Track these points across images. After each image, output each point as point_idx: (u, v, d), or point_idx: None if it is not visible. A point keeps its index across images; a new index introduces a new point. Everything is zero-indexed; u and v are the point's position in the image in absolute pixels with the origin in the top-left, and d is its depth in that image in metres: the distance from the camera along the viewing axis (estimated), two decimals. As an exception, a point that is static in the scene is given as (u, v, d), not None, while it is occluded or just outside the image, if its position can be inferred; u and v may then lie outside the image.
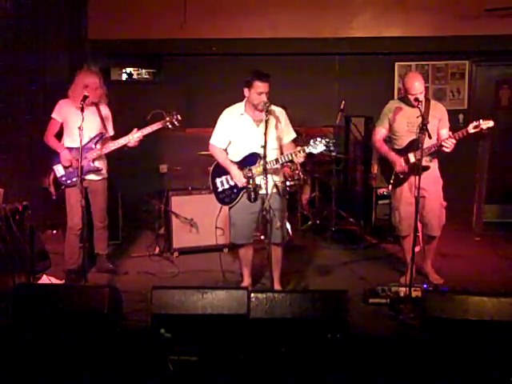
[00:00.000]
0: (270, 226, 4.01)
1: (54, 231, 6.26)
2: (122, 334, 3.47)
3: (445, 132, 4.52)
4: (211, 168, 4.50)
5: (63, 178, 4.61)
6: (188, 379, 3.10)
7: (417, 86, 4.37)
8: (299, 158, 4.11)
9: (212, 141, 4.39)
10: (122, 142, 4.64)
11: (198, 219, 5.58)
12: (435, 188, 4.55)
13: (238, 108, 4.31)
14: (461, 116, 7.15)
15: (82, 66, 6.96)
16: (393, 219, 4.74)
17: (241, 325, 3.24)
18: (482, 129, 4.26)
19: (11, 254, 4.27)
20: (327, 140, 3.98)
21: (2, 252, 4.19)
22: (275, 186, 4.22)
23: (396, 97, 7.08)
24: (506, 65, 7.23)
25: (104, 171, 4.78)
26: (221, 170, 4.37)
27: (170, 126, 4.66)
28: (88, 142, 4.59)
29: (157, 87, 7.23)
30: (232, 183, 4.33)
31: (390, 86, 7.31)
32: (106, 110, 4.77)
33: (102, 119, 4.71)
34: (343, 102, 6.53)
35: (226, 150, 4.39)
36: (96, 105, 4.67)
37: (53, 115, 4.63)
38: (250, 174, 4.20)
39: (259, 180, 4.05)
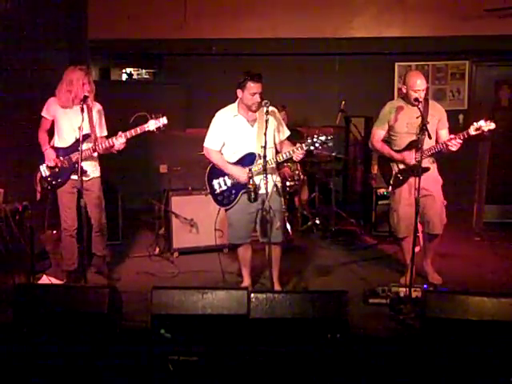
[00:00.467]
0: (269, 226, 4.01)
1: (54, 231, 6.26)
2: (122, 334, 3.47)
3: (444, 133, 4.52)
4: (207, 171, 4.47)
5: (49, 178, 4.48)
6: (188, 379, 3.09)
7: (419, 82, 4.35)
8: (298, 156, 4.12)
9: (206, 144, 4.37)
10: (106, 145, 4.42)
11: (197, 219, 5.58)
12: (436, 187, 4.55)
13: (231, 109, 4.30)
14: (461, 116, 7.16)
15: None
16: (391, 220, 4.74)
17: (241, 325, 3.24)
18: (483, 131, 4.26)
19: (11, 254, 4.27)
20: (325, 136, 3.99)
21: (2, 252, 4.19)
22: (275, 185, 4.22)
23: (396, 97, 7.08)
24: (506, 65, 7.22)
25: (93, 171, 4.57)
26: (217, 172, 4.36)
27: (155, 130, 4.37)
28: (73, 143, 4.42)
29: (157, 87, 7.23)
30: (230, 184, 4.32)
31: (390, 86, 7.31)
32: (98, 111, 4.57)
33: (91, 119, 4.49)
34: (343, 102, 6.54)
35: (220, 151, 4.38)
36: (87, 105, 4.38)
37: (42, 113, 4.56)
38: (250, 174, 4.20)
39: (259, 180, 4.04)
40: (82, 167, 4.10)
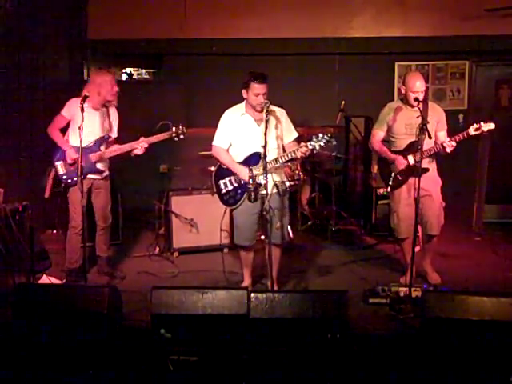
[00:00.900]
0: (269, 226, 4.02)
1: (54, 231, 6.27)
2: (122, 334, 3.47)
3: (442, 134, 4.52)
4: (214, 170, 4.50)
5: (64, 177, 4.57)
6: (188, 379, 3.10)
7: (418, 84, 4.36)
8: (302, 154, 4.10)
9: (215, 142, 4.39)
10: (126, 148, 4.64)
11: (198, 219, 5.58)
12: (435, 188, 4.56)
13: (239, 108, 4.32)
14: (461, 116, 7.16)
15: (82, 66, 7.01)
16: (391, 221, 4.74)
17: (241, 325, 3.24)
18: (482, 131, 4.28)
19: (11, 254, 4.27)
20: (329, 135, 3.99)
21: (2, 252, 4.19)
22: (275, 185, 4.23)
23: (396, 97, 7.08)
24: (506, 65, 7.22)
25: (106, 171, 4.77)
26: (224, 172, 4.36)
27: (175, 138, 4.72)
28: (94, 143, 4.59)
29: (157, 87, 7.23)
30: (236, 184, 4.32)
31: (390, 86, 7.30)
32: (114, 113, 4.76)
33: (110, 121, 4.69)
34: (343, 102, 6.54)
35: (227, 150, 4.39)
36: (107, 106, 4.66)
37: (62, 112, 4.57)
38: (251, 174, 4.20)
39: (262, 180, 4.02)
40: (83, 167, 4.18)
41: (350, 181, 6.84)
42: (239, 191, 4.31)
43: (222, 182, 4.39)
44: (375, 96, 6.90)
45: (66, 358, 3.17)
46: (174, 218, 5.57)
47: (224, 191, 4.39)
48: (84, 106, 4.41)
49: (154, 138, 4.66)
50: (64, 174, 4.58)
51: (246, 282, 4.58)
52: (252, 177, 4.18)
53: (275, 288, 4.32)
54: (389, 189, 4.64)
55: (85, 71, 7.10)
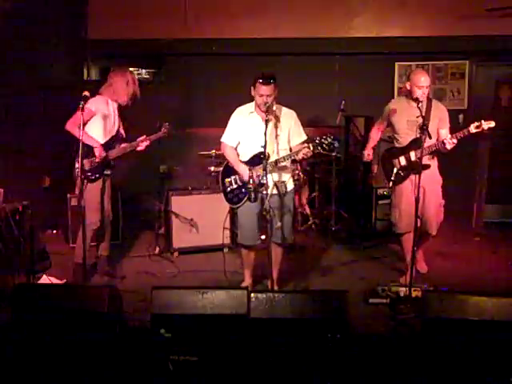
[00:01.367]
0: (270, 226, 4.02)
1: (54, 231, 6.27)
2: (122, 334, 3.47)
3: (444, 132, 4.55)
4: (222, 167, 4.54)
5: (89, 173, 4.63)
6: (188, 379, 3.09)
7: (423, 79, 4.45)
8: (302, 155, 4.11)
9: (223, 139, 4.41)
10: (133, 146, 4.82)
11: (198, 219, 5.58)
12: (434, 186, 4.60)
13: (249, 106, 4.33)
14: (461, 116, 7.15)
15: (82, 66, 7.01)
16: (392, 217, 4.79)
17: (241, 325, 3.24)
18: (483, 129, 4.31)
19: (11, 254, 4.27)
20: (331, 137, 3.99)
21: (2, 252, 4.19)
22: (275, 186, 4.23)
23: (396, 97, 7.09)
24: (506, 65, 7.22)
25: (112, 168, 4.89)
26: (231, 170, 4.38)
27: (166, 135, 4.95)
28: (111, 140, 4.73)
29: (157, 87, 7.22)
30: (240, 183, 4.34)
31: (390, 86, 7.31)
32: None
33: (121, 120, 4.87)
34: (343, 102, 6.54)
35: (236, 149, 4.40)
36: (119, 105, 4.78)
37: (91, 108, 4.54)
38: (251, 174, 4.21)
39: (264, 180, 4.02)
40: (83, 166, 4.28)
41: (350, 181, 6.83)
42: (243, 190, 4.32)
43: (227, 180, 4.40)
44: (375, 96, 6.89)
45: (66, 358, 3.17)
46: (174, 218, 5.57)
47: (229, 189, 4.40)
48: (107, 104, 4.64)
49: (153, 136, 4.88)
50: (88, 171, 4.62)
51: (247, 281, 4.58)
52: (252, 177, 4.19)
53: (275, 288, 4.32)
54: (390, 184, 4.69)
55: (85, 71, 7.10)
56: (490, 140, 6.45)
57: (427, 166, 4.45)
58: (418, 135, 4.28)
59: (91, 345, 3.23)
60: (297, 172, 5.96)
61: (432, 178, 4.58)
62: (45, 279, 4.52)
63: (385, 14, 6.96)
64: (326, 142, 3.98)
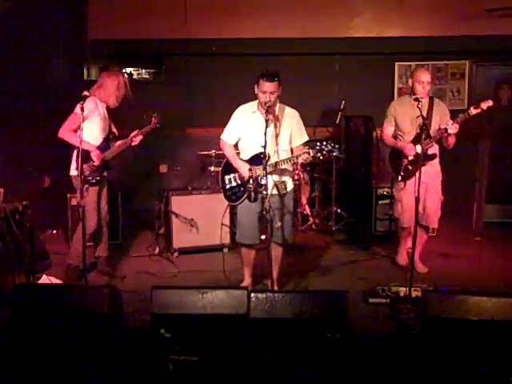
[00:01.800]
0: (270, 226, 4.02)
1: (54, 231, 6.27)
2: (122, 334, 3.47)
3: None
4: (222, 164, 4.53)
5: (89, 177, 4.62)
6: (188, 379, 3.09)
7: (424, 76, 4.66)
8: (302, 160, 4.13)
9: (223, 135, 4.41)
10: (128, 143, 4.80)
11: (198, 219, 5.58)
12: (436, 181, 4.78)
13: (252, 106, 4.31)
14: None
15: (82, 66, 7.01)
16: (395, 211, 4.99)
17: (241, 325, 3.24)
18: (482, 109, 4.46)
19: (11, 254, 4.27)
20: (332, 144, 3.98)
21: (2, 252, 4.19)
22: (275, 186, 4.23)
23: (396, 97, 7.10)
24: (506, 65, 7.22)
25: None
26: (230, 168, 4.38)
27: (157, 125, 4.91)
28: (104, 141, 4.71)
29: (157, 87, 7.23)
30: (239, 182, 4.33)
31: (390, 86, 7.31)
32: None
33: (112, 120, 4.86)
34: (343, 102, 6.54)
35: (236, 146, 4.41)
36: (107, 106, 4.75)
37: (83, 113, 4.41)
38: (251, 174, 4.21)
39: (264, 181, 4.01)
40: (82, 167, 4.21)
41: (350, 181, 6.84)
42: (242, 189, 4.32)
43: (227, 178, 4.40)
44: (375, 96, 6.90)
45: (66, 358, 3.17)
46: (174, 218, 5.57)
47: (228, 187, 4.40)
48: (96, 105, 4.59)
49: (147, 129, 4.86)
50: (89, 176, 4.62)
51: (247, 281, 4.58)
52: (252, 177, 4.19)
53: (275, 288, 4.32)
54: (400, 178, 4.81)
55: (85, 71, 7.10)
56: (489, 140, 6.45)
57: (434, 156, 4.70)
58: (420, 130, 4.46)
59: (91, 345, 3.23)
60: (297, 172, 5.96)
61: (434, 173, 4.75)
62: (45, 279, 4.52)
63: (385, 13, 6.97)
64: (327, 150, 3.97)
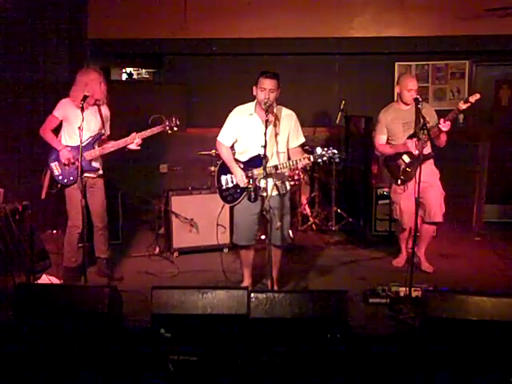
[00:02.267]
0: (269, 227, 4.01)
1: (54, 231, 6.26)
2: (122, 334, 3.47)
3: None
4: (218, 164, 4.52)
5: (60, 177, 4.56)
6: (188, 379, 3.09)
7: (411, 84, 4.73)
8: (302, 165, 4.14)
9: (219, 138, 4.39)
10: (120, 144, 4.65)
11: (198, 219, 5.58)
12: (434, 179, 4.84)
13: (249, 107, 4.29)
14: (461, 116, 7.14)
15: (82, 66, 7.01)
16: (394, 213, 5.07)
17: (241, 325, 3.24)
18: (470, 102, 4.59)
19: (11, 254, 4.27)
20: (334, 151, 3.97)
21: (2, 252, 4.19)
22: (275, 186, 4.23)
23: (396, 97, 7.09)
24: (506, 65, 7.22)
25: (100, 169, 4.76)
26: (227, 168, 4.37)
27: (169, 131, 4.72)
28: (88, 142, 4.57)
29: (157, 87, 7.23)
30: (236, 182, 4.33)
31: (390, 86, 7.29)
32: (106, 110, 4.75)
33: (102, 119, 4.69)
34: (343, 102, 6.54)
35: (232, 147, 4.39)
36: (97, 105, 4.66)
37: (54, 113, 4.59)
38: (251, 174, 4.21)
39: (263, 183, 4.01)
40: (82, 166, 4.20)
41: (350, 181, 6.84)
42: (238, 190, 4.32)
43: (224, 178, 4.39)
44: (375, 96, 6.90)
45: (67, 358, 3.17)
46: (174, 218, 5.57)
47: (224, 187, 4.39)
48: (71, 106, 4.47)
49: (147, 132, 4.65)
50: (60, 175, 4.57)
51: (246, 281, 4.58)
52: (252, 177, 4.19)
53: (275, 288, 4.32)
54: (399, 182, 4.85)
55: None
56: (489, 140, 6.45)
57: (431, 155, 4.75)
58: (415, 132, 4.49)
59: (91, 345, 3.23)
60: (297, 172, 5.97)
61: (430, 172, 4.79)
62: (45, 279, 4.52)
63: (385, 13, 6.97)
64: (327, 156, 3.97)
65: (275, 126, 4.21)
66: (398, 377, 3.12)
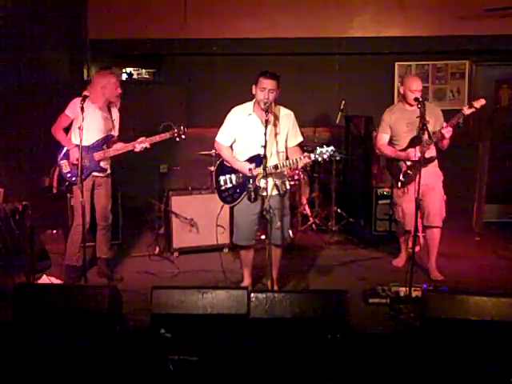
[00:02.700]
0: (269, 226, 4.02)
1: (54, 231, 6.27)
2: (122, 334, 3.47)
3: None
4: (216, 165, 4.52)
5: (68, 175, 4.60)
6: (188, 379, 3.10)
7: (415, 84, 4.66)
8: (302, 164, 4.13)
9: (218, 138, 4.40)
10: (129, 147, 4.70)
11: (198, 219, 5.58)
12: (437, 181, 4.76)
13: (247, 107, 4.29)
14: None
15: (82, 66, 7.01)
16: (396, 215, 5.01)
17: (241, 325, 3.24)
18: (476, 108, 4.45)
19: (11, 254, 4.27)
20: (333, 149, 3.98)
21: (2, 252, 4.19)
22: (275, 186, 4.23)
23: (396, 97, 7.10)
24: (506, 65, 7.23)
25: (108, 169, 4.80)
26: (225, 169, 4.37)
27: (176, 139, 4.79)
28: (98, 143, 4.63)
29: (157, 87, 7.23)
30: (235, 182, 4.32)
31: (390, 86, 7.31)
32: (116, 112, 4.80)
33: (112, 121, 4.75)
34: (343, 102, 6.54)
35: (231, 146, 4.39)
36: (109, 106, 4.71)
37: (66, 112, 4.58)
38: (251, 174, 4.20)
39: (263, 182, 4.01)
40: (82, 167, 4.21)
41: (350, 181, 6.84)
42: (238, 190, 4.31)
43: (222, 179, 4.38)
44: (375, 96, 6.91)
45: (67, 358, 3.17)
46: (174, 218, 5.57)
47: (223, 188, 4.39)
48: (89, 105, 4.48)
49: (156, 138, 4.74)
50: (68, 173, 4.61)
51: (246, 281, 4.58)
52: (252, 177, 4.19)
53: (275, 288, 4.32)
54: (399, 184, 4.80)
55: (85, 71, 7.10)
56: (489, 140, 6.45)
57: (433, 158, 4.69)
58: (418, 133, 4.38)
59: (91, 345, 3.23)
60: (297, 172, 5.97)
61: (434, 174, 4.73)
62: (45, 279, 4.52)
63: (385, 13, 6.97)
64: (328, 154, 3.97)
65: (274, 125, 4.21)
66: (398, 377, 3.12)
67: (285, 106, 4.37)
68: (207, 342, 3.20)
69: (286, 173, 4.38)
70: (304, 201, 6.52)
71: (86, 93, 4.42)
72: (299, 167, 4.23)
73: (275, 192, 4.24)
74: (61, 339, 3.26)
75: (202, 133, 6.72)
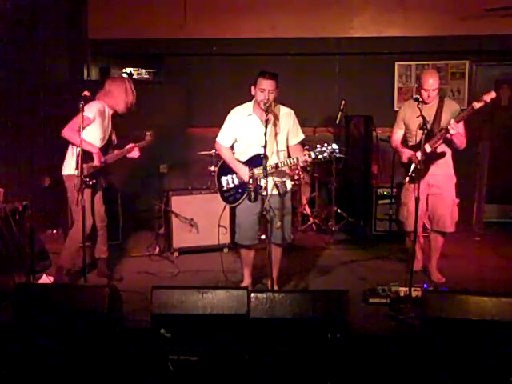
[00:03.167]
0: (270, 226, 4.01)
1: (54, 231, 6.27)
2: (122, 334, 3.47)
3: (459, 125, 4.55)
4: (218, 165, 4.52)
5: (87, 178, 4.56)
6: (188, 379, 3.09)
7: (430, 82, 4.52)
8: (302, 162, 4.13)
9: (218, 139, 4.40)
10: (124, 152, 4.86)
11: (198, 219, 5.58)
12: (448, 185, 4.63)
13: (247, 108, 4.29)
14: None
15: (82, 66, 7.02)
16: (400, 214, 4.83)
17: (241, 325, 3.24)
18: (485, 101, 4.37)
19: (11, 254, 4.27)
20: (334, 146, 3.97)
21: (2, 252, 4.19)
22: (275, 186, 4.23)
23: (396, 97, 7.11)
24: (506, 65, 7.22)
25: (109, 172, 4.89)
26: (227, 169, 4.37)
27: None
28: (106, 148, 4.70)
29: (157, 87, 7.22)
30: (237, 183, 4.32)
31: (390, 86, 7.30)
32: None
33: (114, 125, 4.84)
34: (343, 102, 6.54)
35: (232, 147, 4.39)
36: (114, 112, 4.74)
37: (88, 114, 4.45)
38: (251, 174, 4.21)
39: (263, 182, 4.00)
40: (82, 167, 4.21)
41: (350, 181, 6.84)
42: (239, 190, 4.32)
43: (224, 179, 4.39)
44: (375, 96, 6.91)
45: (67, 358, 3.17)
46: (174, 218, 5.57)
47: (225, 188, 4.39)
48: (103, 110, 4.59)
49: (140, 144, 4.93)
50: (87, 176, 4.56)
51: (246, 281, 4.58)
52: (252, 177, 4.19)
53: (275, 288, 4.32)
54: (407, 179, 4.64)
55: (85, 71, 7.10)
56: (489, 140, 6.45)
57: (443, 154, 4.54)
58: (430, 128, 4.32)
59: (91, 345, 3.23)
60: (297, 172, 5.97)
61: (445, 177, 4.62)
62: (45, 279, 4.52)
63: (385, 13, 6.97)
64: (328, 152, 3.96)
65: (275, 125, 4.21)
66: (398, 377, 3.12)
67: (284, 106, 4.37)
68: (207, 342, 3.20)
69: (287, 171, 4.37)
70: (304, 201, 6.52)
71: (86, 93, 4.40)
72: (300, 165, 4.21)
73: (275, 191, 4.24)
74: (61, 339, 3.26)
75: (201, 133, 6.75)
